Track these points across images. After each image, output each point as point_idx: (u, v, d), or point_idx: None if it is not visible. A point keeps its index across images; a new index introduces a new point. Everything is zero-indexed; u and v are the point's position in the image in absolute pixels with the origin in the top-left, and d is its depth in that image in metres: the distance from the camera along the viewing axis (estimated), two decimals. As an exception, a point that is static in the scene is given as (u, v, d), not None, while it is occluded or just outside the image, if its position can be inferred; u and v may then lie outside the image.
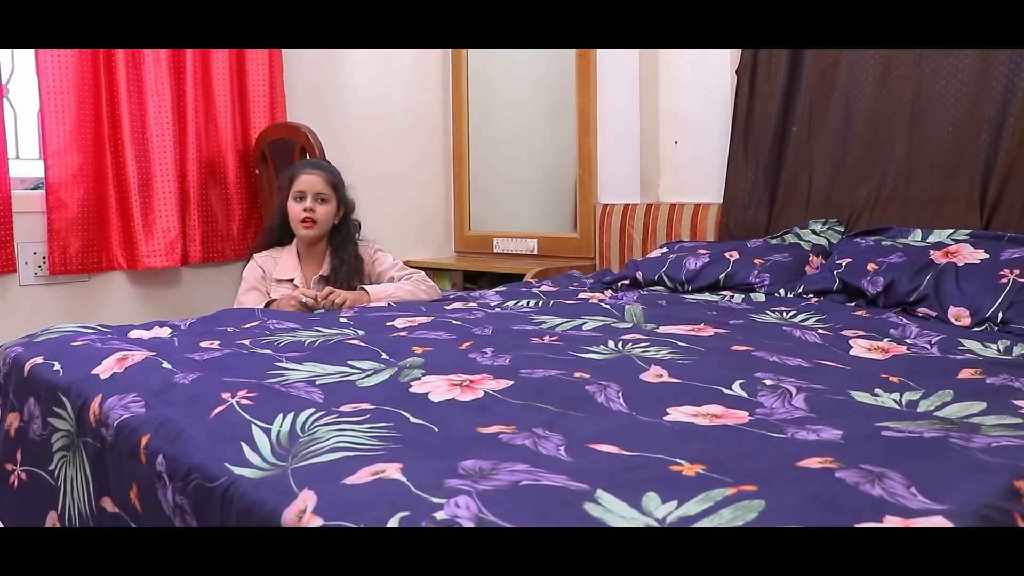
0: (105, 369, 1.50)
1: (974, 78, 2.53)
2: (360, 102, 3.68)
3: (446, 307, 2.27)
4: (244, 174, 3.26)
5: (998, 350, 1.71)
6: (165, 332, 1.89)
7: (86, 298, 2.98)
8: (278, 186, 2.69)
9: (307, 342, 1.70)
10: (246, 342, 1.73)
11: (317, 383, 1.36)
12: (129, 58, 2.92)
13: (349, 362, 1.50)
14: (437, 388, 1.29)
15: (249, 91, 3.25)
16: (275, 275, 2.57)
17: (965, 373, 1.46)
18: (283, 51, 3.32)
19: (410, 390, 1.29)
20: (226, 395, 1.27)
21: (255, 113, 3.27)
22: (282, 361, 1.52)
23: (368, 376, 1.40)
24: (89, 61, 2.85)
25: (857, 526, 0.79)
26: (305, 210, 2.50)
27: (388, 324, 1.94)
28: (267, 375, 1.42)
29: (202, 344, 1.70)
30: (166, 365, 1.49)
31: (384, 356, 1.54)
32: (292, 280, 2.55)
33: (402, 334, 1.81)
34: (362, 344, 1.65)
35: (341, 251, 2.58)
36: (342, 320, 1.99)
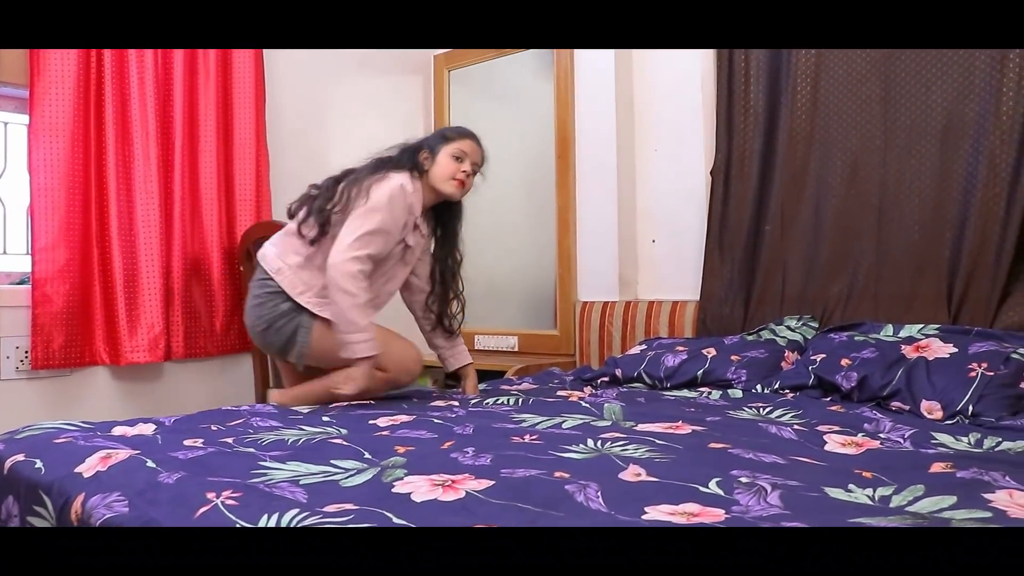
0: (88, 467, 1.51)
1: (935, 179, 2.62)
2: (345, 200, 3.74)
3: (428, 404, 2.28)
4: (228, 271, 3.30)
5: (969, 443, 1.76)
6: (149, 429, 1.90)
7: (68, 393, 2.97)
8: (424, 143, 2.53)
9: (290, 441, 1.72)
10: (229, 440, 1.74)
11: (301, 483, 1.38)
12: (119, 156, 2.99)
13: (332, 461, 1.52)
14: (419, 488, 1.31)
15: (236, 189, 3.32)
16: (416, 212, 2.47)
17: (936, 467, 1.49)
18: (269, 148, 3.40)
19: (393, 490, 1.31)
20: (211, 495, 1.28)
21: (241, 211, 3.33)
22: (266, 460, 1.53)
23: (351, 476, 1.42)
24: (80, 159, 2.91)
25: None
26: (463, 171, 2.47)
27: (371, 422, 1.96)
28: (251, 474, 1.43)
29: (186, 442, 1.71)
30: (150, 464, 1.50)
31: (367, 455, 1.56)
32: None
33: (384, 433, 1.83)
34: (344, 443, 1.66)
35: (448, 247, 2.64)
36: (324, 419, 2.01)
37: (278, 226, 3.08)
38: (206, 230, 3.24)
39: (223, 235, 3.28)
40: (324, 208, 2.40)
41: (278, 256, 2.45)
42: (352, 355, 2.27)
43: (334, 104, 3.74)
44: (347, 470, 1.46)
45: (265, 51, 3.42)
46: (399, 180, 2.38)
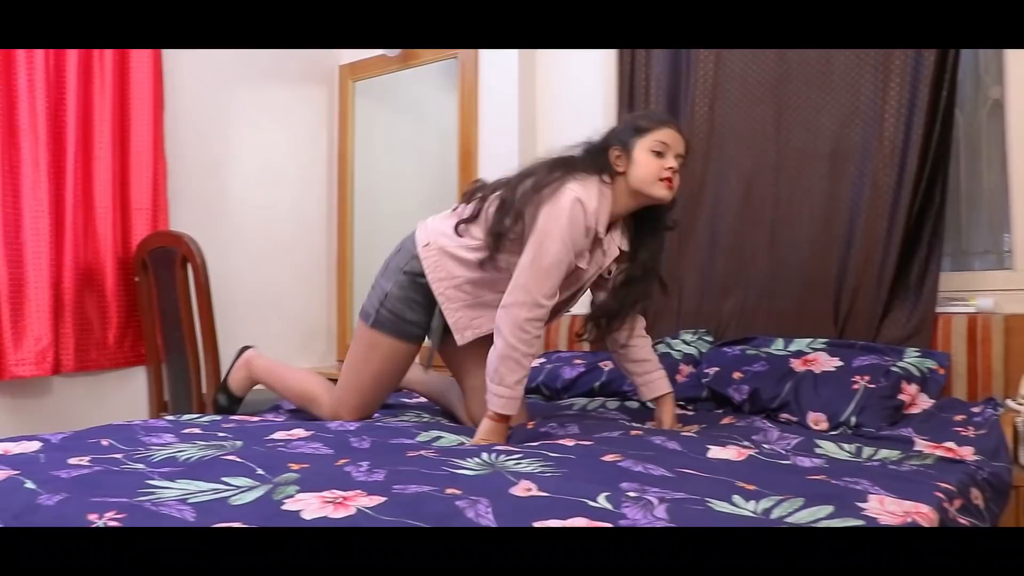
0: (-39, 490, 1.45)
1: (824, 199, 2.74)
2: (244, 211, 3.69)
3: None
4: (123, 282, 3.21)
5: (850, 452, 1.85)
6: (32, 447, 1.82)
7: (-54, 409, 2.85)
8: (613, 138, 2.14)
9: (182, 457, 1.68)
10: (119, 457, 1.69)
11: (189, 501, 1.35)
12: (5, 161, 2.88)
13: (223, 479, 1.49)
14: (310, 506, 1.30)
15: (132, 197, 3.24)
16: (599, 229, 2.05)
17: (814, 476, 1.57)
18: (168, 155, 3.33)
19: (282, 508, 1.30)
20: (93, 517, 1.25)
21: (137, 220, 3.24)
22: (154, 479, 1.50)
23: (241, 493, 1.40)
24: (-37, 165, 2.80)
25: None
26: (668, 168, 2.06)
27: (267, 436, 1.94)
28: (138, 493, 1.40)
29: (71, 460, 1.65)
30: (29, 485, 1.44)
31: (259, 472, 1.54)
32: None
33: (280, 447, 1.81)
34: (238, 459, 1.64)
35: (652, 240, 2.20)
36: (220, 433, 1.97)
37: (174, 236, 3.02)
38: (100, 239, 3.15)
39: (118, 245, 3.19)
40: (503, 225, 2.05)
41: (431, 232, 2.19)
42: (488, 405, 2.00)
43: (236, 112, 3.68)
44: (238, 487, 1.44)
45: (165, 55, 3.34)
46: (575, 195, 1.99)
